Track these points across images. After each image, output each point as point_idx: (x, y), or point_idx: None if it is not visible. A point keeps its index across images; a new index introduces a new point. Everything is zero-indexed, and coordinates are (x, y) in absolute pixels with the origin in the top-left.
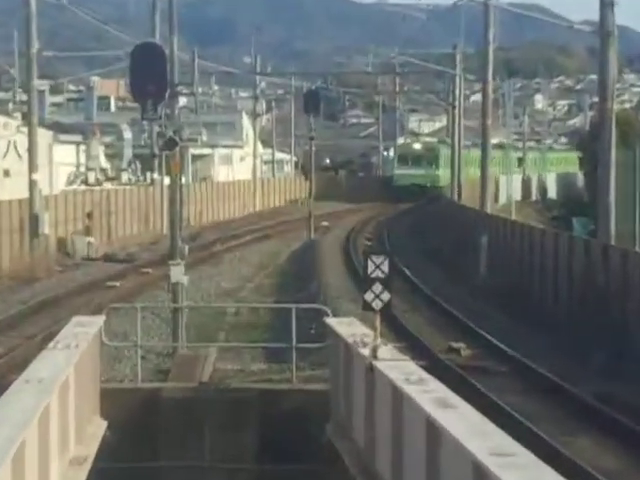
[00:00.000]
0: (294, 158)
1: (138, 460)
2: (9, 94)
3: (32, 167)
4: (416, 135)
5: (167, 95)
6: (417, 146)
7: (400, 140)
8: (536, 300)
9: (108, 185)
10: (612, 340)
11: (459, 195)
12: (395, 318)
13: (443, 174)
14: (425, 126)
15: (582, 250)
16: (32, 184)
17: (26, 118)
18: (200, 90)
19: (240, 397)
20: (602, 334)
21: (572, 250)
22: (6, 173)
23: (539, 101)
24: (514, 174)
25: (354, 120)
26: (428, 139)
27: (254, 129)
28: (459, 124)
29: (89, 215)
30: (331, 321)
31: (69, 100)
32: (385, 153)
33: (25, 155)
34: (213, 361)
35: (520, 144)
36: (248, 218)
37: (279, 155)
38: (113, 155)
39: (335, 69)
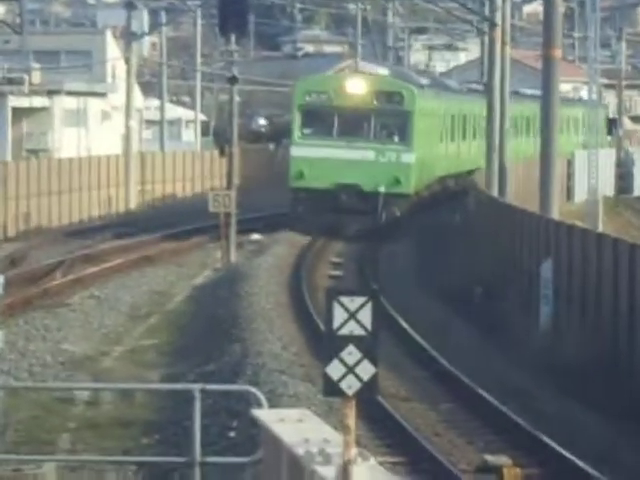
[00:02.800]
0: (201, 117)
1: None
2: None
3: None
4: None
5: None
6: (354, 87)
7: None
8: (637, 384)
9: None
10: None
11: (502, 187)
12: (385, 411)
13: (422, 161)
14: (439, 59)
15: None
16: None
17: None
18: None
19: None
20: None
21: None
22: None
23: None
24: (602, 148)
25: (311, 47)
26: (383, 72)
27: (128, 63)
28: (502, 56)
29: None
30: (265, 415)
31: None
32: None
33: None
34: None
35: (612, 93)
36: (116, 225)
37: (175, 111)
38: None
39: None
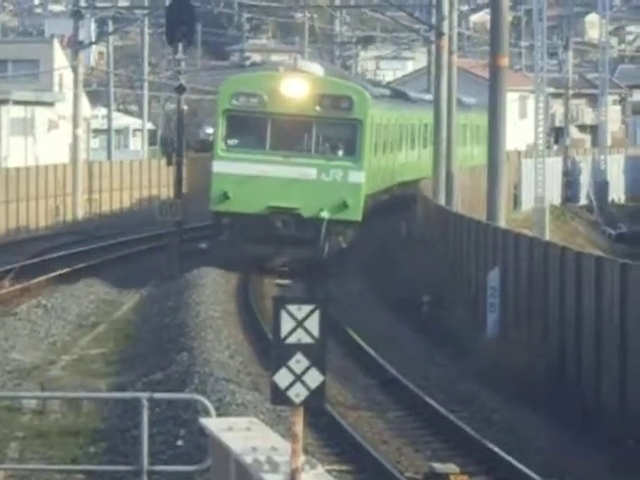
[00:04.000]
0: (149, 125)
1: None
2: None
3: None
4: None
5: None
6: (292, 89)
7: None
8: (584, 391)
9: None
10: None
11: (449, 196)
12: (332, 419)
13: (371, 178)
14: (388, 68)
15: None
16: None
17: None
18: None
19: None
20: None
21: None
22: None
23: (594, 25)
24: (549, 157)
25: (259, 56)
26: (316, 70)
27: (75, 72)
28: (449, 65)
29: None
30: (213, 423)
31: None
32: None
33: None
34: None
35: (560, 102)
36: (62, 234)
37: (122, 120)
38: None
39: None
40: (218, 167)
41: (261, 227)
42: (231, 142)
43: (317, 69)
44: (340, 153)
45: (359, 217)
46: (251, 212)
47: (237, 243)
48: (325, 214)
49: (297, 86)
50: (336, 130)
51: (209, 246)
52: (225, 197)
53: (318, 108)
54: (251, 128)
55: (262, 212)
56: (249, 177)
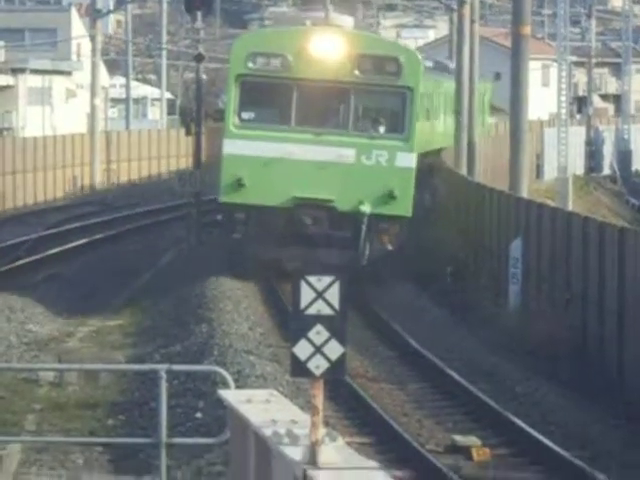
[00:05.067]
0: (167, 95)
1: None
2: None
3: None
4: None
5: None
6: (325, 48)
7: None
8: (606, 365)
9: None
10: None
11: (470, 166)
12: (354, 391)
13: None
14: (409, 36)
15: None
16: None
17: None
18: None
19: None
20: None
21: None
22: None
23: None
24: (572, 126)
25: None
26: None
27: (93, 40)
28: (471, 33)
29: None
30: (232, 395)
31: None
32: None
33: None
34: (14, 470)
35: (582, 71)
36: (80, 204)
37: (140, 89)
38: None
39: None
40: (230, 147)
41: (285, 224)
42: (246, 116)
43: (351, 25)
44: (385, 130)
45: (409, 212)
46: (272, 205)
47: (254, 244)
48: (366, 208)
49: (330, 44)
50: (380, 100)
51: (218, 248)
52: (239, 185)
53: (357, 72)
54: (272, 98)
55: (286, 205)
56: (269, 160)
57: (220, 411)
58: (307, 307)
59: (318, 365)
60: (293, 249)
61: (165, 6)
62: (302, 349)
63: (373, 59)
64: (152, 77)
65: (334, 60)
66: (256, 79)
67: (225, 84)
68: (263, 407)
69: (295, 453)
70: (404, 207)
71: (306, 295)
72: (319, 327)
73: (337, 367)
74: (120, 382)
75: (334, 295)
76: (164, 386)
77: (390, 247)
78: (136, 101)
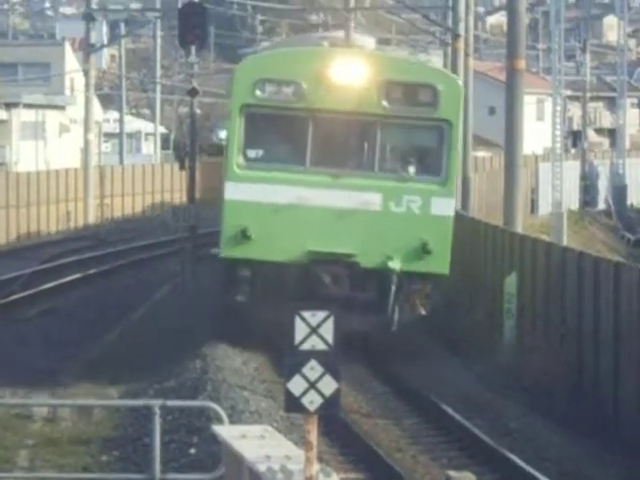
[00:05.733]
0: (161, 129)
1: None
2: None
3: None
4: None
5: None
6: (347, 73)
7: None
8: (601, 400)
9: None
10: None
11: (465, 200)
12: (347, 426)
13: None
14: None
15: None
16: None
17: None
18: None
19: None
20: None
21: None
22: None
23: (612, 27)
24: (566, 161)
25: None
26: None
27: (86, 75)
28: (466, 67)
29: None
30: (226, 431)
31: None
32: None
33: None
34: None
35: (577, 105)
36: (73, 239)
37: (134, 124)
38: None
39: None
40: (233, 192)
41: (298, 283)
42: (253, 154)
43: (372, 46)
44: (418, 171)
45: (446, 268)
46: (283, 260)
47: (261, 308)
48: (395, 264)
49: (353, 69)
50: (412, 136)
51: (219, 311)
52: (244, 237)
53: (385, 103)
54: (283, 133)
55: (300, 261)
56: (280, 207)
57: (214, 447)
58: (301, 342)
59: (312, 400)
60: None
61: (159, 41)
62: (296, 385)
63: (404, 87)
64: (146, 111)
65: (357, 88)
66: (265, 110)
67: (225, 117)
68: (257, 443)
69: None
70: (440, 263)
71: (300, 330)
72: (313, 362)
73: (331, 403)
74: (114, 417)
75: (328, 330)
76: (158, 422)
77: (423, 311)
78: (130, 135)
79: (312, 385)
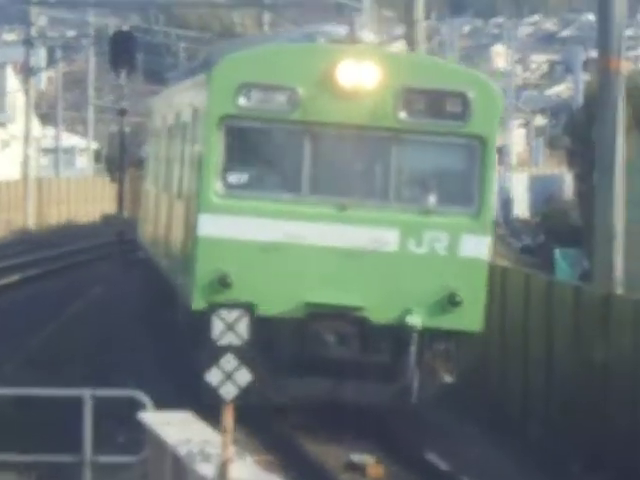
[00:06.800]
0: (94, 145)
1: None
2: None
3: None
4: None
5: None
6: (356, 75)
7: None
8: (490, 388)
9: None
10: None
11: None
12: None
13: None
14: None
15: (569, 303)
16: None
17: None
18: None
19: None
20: (600, 453)
21: (551, 303)
22: None
23: (500, 54)
24: None
25: None
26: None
27: (26, 95)
28: None
29: None
30: (151, 418)
31: None
32: None
33: None
34: None
35: None
36: (11, 244)
37: (69, 140)
38: None
39: None
40: (209, 227)
41: (293, 344)
42: (235, 178)
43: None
44: (444, 200)
45: (478, 324)
46: (274, 315)
47: (245, 372)
48: (415, 319)
49: (363, 72)
50: (437, 156)
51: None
52: (223, 285)
53: (402, 115)
54: (274, 152)
55: (295, 315)
56: (269, 247)
57: (139, 432)
58: (219, 338)
59: (229, 391)
60: (306, 382)
61: (92, 65)
62: (214, 376)
63: (427, 94)
64: (80, 129)
65: (368, 96)
66: (250, 123)
67: (191, 127)
68: (179, 428)
69: (207, 470)
70: (471, 318)
71: (218, 327)
72: (229, 356)
73: (246, 393)
74: (48, 408)
75: (243, 327)
76: (89, 409)
77: (448, 378)
78: (65, 151)
79: (228, 377)
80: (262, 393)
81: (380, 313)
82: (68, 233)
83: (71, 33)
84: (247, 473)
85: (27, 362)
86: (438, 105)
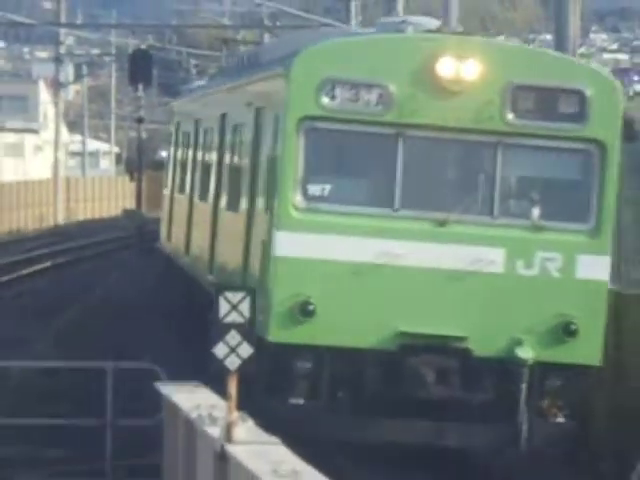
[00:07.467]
0: (115, 149)
1: None
2: None
3: None
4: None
5: None
6: (457, 73)
7: None
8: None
9: None
10: None
11: None
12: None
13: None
14: None
15: None
16: None
17: None
18: None
19: None
20: None
21: None
22: None
23: None
24: None
25: None
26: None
27: (56, 106)
28: None
29: None
30: (165, 387)
31: None
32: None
33: None
34: None
35: None
36: (46, 235)
37: (94, 144)
38: None
39: (176, 20)
40: (288, 246)
41: (384, 380)
42: (317, 190)
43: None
44: (557, 215)
45: (597, 357)
46: (363, 347)
47: (329, 415)
48: (526, 352)
49: (466, 67)
50: (549, 164)
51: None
52: (304, 313)
53: (510, 116)
54: (363, 159)
55: (387, 347)
56: (358, 268)
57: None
58: (224, 317)
59: (233, 362)
60: (403, 424)
61: (114, 79)
62: (220, 350)
63: (539, 92)
64: (103, 135)
65: (471, 94)
66: (335, 126)
67: (253, 130)
68: (190, 395)
69: (214, 432)
70: (589, 349)
71: (224, 306)
72: (233, 332)
73: (247, 363)
74: (75, 379)
75: (245, 307)
76: (110, 379)
77: (562, 419)
78: (90, 154)
79: (232, 350)
80: (350, 434)
81: (485, 344)
82: (93, 226)
83: (95, 51)
84: (249, 434)
85: (56, 339)
86: (551, 105)
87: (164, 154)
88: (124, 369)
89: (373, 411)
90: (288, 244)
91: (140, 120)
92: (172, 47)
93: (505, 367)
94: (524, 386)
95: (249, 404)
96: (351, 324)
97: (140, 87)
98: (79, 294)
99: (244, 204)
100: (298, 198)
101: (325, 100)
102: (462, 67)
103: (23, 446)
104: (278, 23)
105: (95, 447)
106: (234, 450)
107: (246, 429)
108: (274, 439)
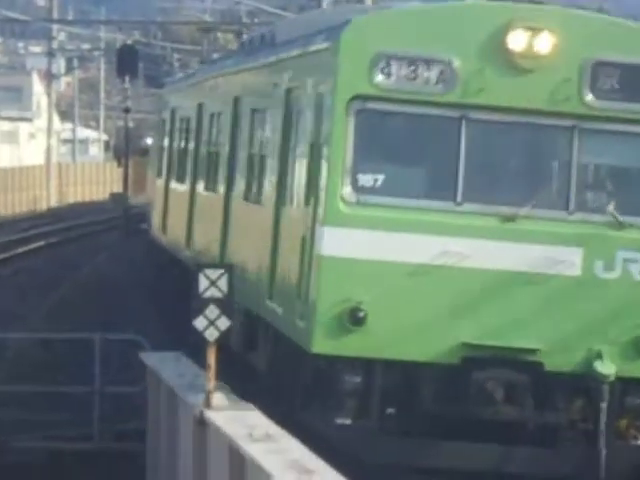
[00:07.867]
0: (104, 137)
1: None
2: None
3: None
4: None
5: None
6: (528, 48)
7: None
8: None
9: None
10: None
11: None
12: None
13: None
14: None
15: None
16: None
17: None
18: None
19: (23, 461)
20: None
21: None
22: None
23: None
24: None
25: None
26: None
27: (49, 96)
28: None
29: None
30: (149, 357)
31: None
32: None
33: None
34: None
35: None
36: (40, 216)
37: (84, 132)
38: None
39: (160, 17)
40: (336, 244)
41: (446, 397)
42: (369, 180)
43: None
44: None
45: None
46: (420, 360)
47: (382, 436)
48: (607, 367)
49: (539, 40)
50: (633, 152)
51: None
52: (354, 321)
53: (590, 97)
54: (420, 146)
55: (448, 360)
56: (415, 270)
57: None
58: (204, 292)
59: (212, 334)
60: (467, 447)
61: (103, 72)
62: (200, 323)
63: (623, 70)
64: (92, 123)
65: (546, 71)
66: (390, 107)
67: (284, 113)
68: (172, 364)
69: (194, 399)
70: None
71: (203, 282)
72: (212, 307)
73: (225, 335)
74: (67, 349)
75: (224, 283)
76: (98, 350)
77: None
78: (81, 141)
79: (211, 323)
80: (403, 458)
81: (560, 358)
82: (83, 209)
83: (85, 46)
84: (227, 401)
85: (49, 313)
86: (637, 84)
87: (148, 141)
88: (111, 340)
89: (430, 433)
90: (335, 242)
91: (127, 110)
92: (157, 42)
93: (583, 383)
94: (605, 405)
95: (289, 422)
96: (407, 334)
97: (127, 79)
98: (71, 271)
99: (270, 196)
100: (347, 190)
101: (379, 77)
102: (536, 40)
103: (19, 411)
104: (256, 20)
105: (84, 413)
106: (213, 416)
107: (225, 397)
108: (250, 405)
